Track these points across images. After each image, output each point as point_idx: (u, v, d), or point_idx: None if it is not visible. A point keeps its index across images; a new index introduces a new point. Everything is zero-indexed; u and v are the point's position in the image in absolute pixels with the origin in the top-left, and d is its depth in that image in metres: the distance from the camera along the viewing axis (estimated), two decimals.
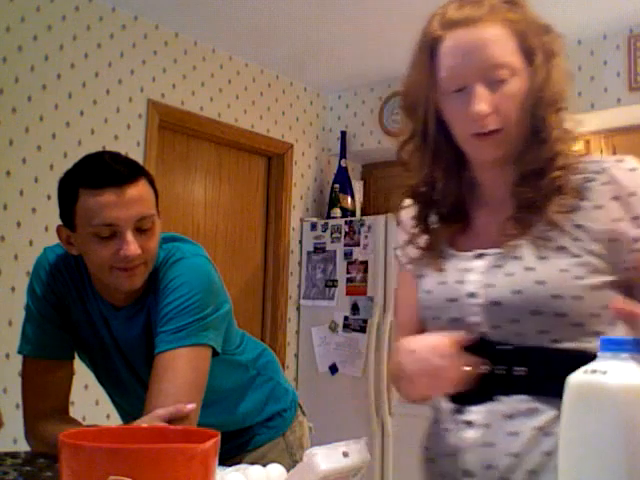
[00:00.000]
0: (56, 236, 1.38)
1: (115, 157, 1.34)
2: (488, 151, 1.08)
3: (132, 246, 1.28)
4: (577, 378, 0.78)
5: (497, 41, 1.04)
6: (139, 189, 1.31)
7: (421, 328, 1.17)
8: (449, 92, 1.07)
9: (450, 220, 1.16)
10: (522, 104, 1.05)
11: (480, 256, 1.10)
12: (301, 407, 1.75)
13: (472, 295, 1.07)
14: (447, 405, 1.11)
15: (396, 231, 1.26)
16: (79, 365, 1.55)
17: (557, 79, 1.06)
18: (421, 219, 1.18)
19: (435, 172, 1.15)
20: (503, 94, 1.04)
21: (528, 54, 1.05)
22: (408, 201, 1.23)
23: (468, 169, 1.15)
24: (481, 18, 1.04)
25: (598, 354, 0.78)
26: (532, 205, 1.06)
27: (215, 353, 1.37)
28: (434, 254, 1.15)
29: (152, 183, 1.37)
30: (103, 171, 1.29)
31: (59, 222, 1.37)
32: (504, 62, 1.03)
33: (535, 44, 1.05)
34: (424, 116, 1.12)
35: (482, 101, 1.03)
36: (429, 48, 1.10)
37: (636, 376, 0.74)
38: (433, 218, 1.18)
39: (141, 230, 1.31)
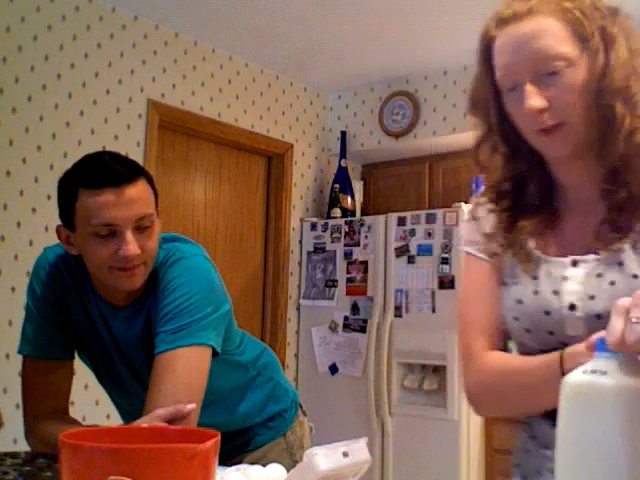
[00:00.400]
0: (56, 236, 1.39)
1: (114, 157, 1.34)
2: (555, 147, 1.03)
3: (131, 246, 1.28)
4: (575, 378, 0.78)
5: (547, 32, 0.99)
6: (138, 189, 1.31)
7: (501, 330, 1.10)
8: (506, 91, 1.04)
9: (535, 219, 1.09)
10: (583, 94, 0.99)
11: (576, 263, 1.02)
12: (302, 407, 1.75)
13: (572, 307, 0.99)
14: (546, 422, 1.04)
15: (467, 227, 1.18)
16: (79, 365, 1.55)
17: (619, 64, 0.99)
18: (504, 218, 1.11)
19: (517, 171, 1.10)
20: (558, 87, 0.99)
21: (585, 41, 0.99)
22: (482, 198, 1.16)
23: (550, 168, 1.09)
24: (530, 11, 1.01)
25: (595, 354, 0.78)
26: (626, 204, 0.99)
27: (215, 353, 1.37)
28: (522, 257, 1.07)
29: (151, 183, 1.37)
30: (102, 171, 1.29)
31: (59, 222, 1.37)
32: (556, 53, 0.98)
33: (591, 30, 0.99)
34: (492, 117, 1.08)
35: (532, 97, 0.99)
36: (486, 49, 1.07)
37: (634, 377, 0.74)
38: (517, 217, 1.11)
39: (140, 230, 1.31)
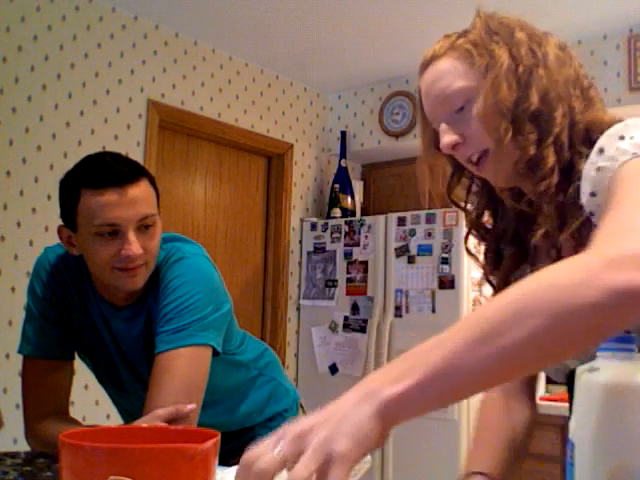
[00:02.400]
0: (56, 236, 1.38)
1: (116, 157, 1.34)
2: (488, 176, 1.04)
3: (134, 246, 1.28)
4: (580, 376, 0.78)
5: (443, 72, 1.02)
6: (141, 189, 1.31)
7: None
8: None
9: (510, 252, 1.09)
10: (495, 120, 0.98)
11: None
12: (302, 407, 1.74)
13: None
14: None
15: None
16: (79, 365, 1.55)
17: (502, 86, 0.98)
18: (490, 257, 1.12)
19: (490, 204, 1.11)
20: (467, 120, 1.01)
21: (482, 70, 1.01)
22: (469, 239, 1.16)
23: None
24: (433, 56, 1.04)
25: (598, 353, 0.78)
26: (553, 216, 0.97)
27: (216, 353, 1.37)
28: None
29: (153, 183, 1.37)
30: (105, 171, 1.29)
31: (59, 222, 1.37)
32: (453, 90, 1.01)
33: (482, 57, 1.00)
34: (451, 159, 1.09)
35: (444, 135, 1.02)
36: (420, 98, 1.09)
37: (622, 374, 0.75)
38: (501, 253, 1.11)
39: (143, 230, 1.31)
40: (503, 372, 0.69)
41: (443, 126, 1.02)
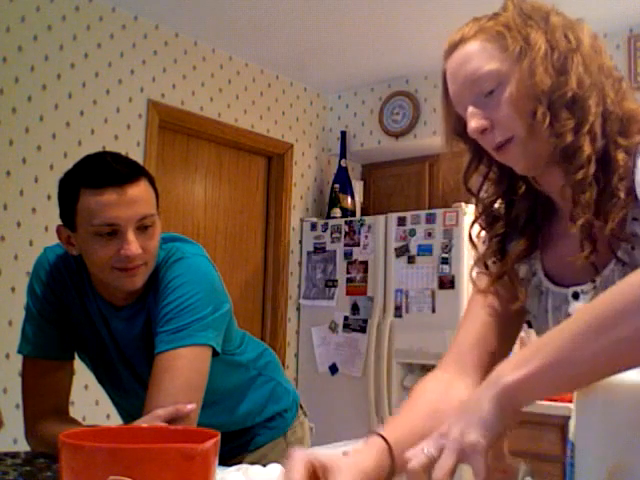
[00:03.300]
0: (56, 236, 1.38)
1: (116, 157, 1.34)
2: (511, 162, 1.02)
3: (133, 246, 1.28)
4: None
5: (473, 55, 1.00)
6: (140, 189, 1.31)
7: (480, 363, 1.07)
8: (464, 117, 1.04)
9: (522, 240, 1.07)
10: (525, 105, 0.97)
11: (577, 295, 0.99)
12: (302, 407, 1.74)
13: None
14: None
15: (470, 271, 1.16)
16: (79, 365, 1.55)
17: (539, 71, 0.96)
18: (494, 243, 1.10)
19: (506, 192, 1.09)
20: (496, 104, 0.98)
21: (514, 54, 0.98)
22: (475, 226, 1.14)
23: (538, 187, 1.07)
24: (461, 39, 1.02)
25: None
26: (596, 208, 0.94)
27: (215, 353, 1.37)
28: (527, 291, 1.06)
29: (153, 183, 1.37)
30: (104, 171, 1.29)
31: (59, 222, 1.37)
32: (483, 73, 0.99)
33: (516, 40, 0.98)
34: (471, 144, 1.08)
35: (473, 119, 1.00)
36: (444, 82, 1.07)
37: (622, 374, 0.75)
38: (507, 242, 1.10)
39: (142, 230, 1.31)
40: (609, 366, 0.74)
41: (471, 110, 1.00)
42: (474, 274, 1.14)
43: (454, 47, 1.03)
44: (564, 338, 0.75)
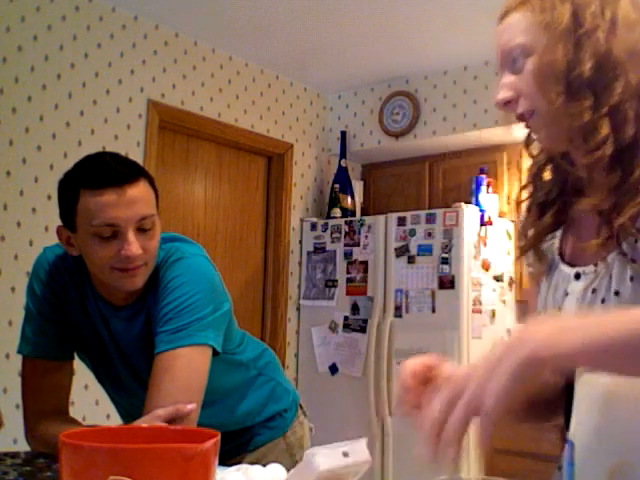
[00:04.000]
0: (56, 236, 1.38)
1: (115, 157, 1.34)
2: (536, 136, 1.02)
3: (133, 246, 1.28)
4: (580, 376, 0.78)
5: (509, 26, 1.00)
6: (140, 189, 1.31)
7: None
8: None
9: (551, 212, 1.06)
10: (549, 81, 0.94)
11: (578, 276, 0.99)
12: (302, 407, 1.74)
13: None
14: None
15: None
16: (79, 365, 1.55)
17: (558, 47, 0.94)
18: (533, 209, 1.09)
19: (548, 161, 1.08)
20: (523, 76, 0.97)
21: (551, 28, 0.95)
22: (523, 191, 1.13)
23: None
24: (506, 11, 1.01)
25: None
26: (618, 194, 0.92)
27: (215, 353, 1.37)
28: (543, 267, 1.06)
29: (152, 183, 1.37)
30: (104, 171, 1.29)
31: (59, 222, 1.37)
32: (513, 45, 0.98)
33: (557, 15, 0.95)
34: None
35: (501, 90, 0.99)
36: None
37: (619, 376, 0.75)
38: (544, 211, 1.08)
39: (142, 230, 1.31)
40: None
41: (503, 80, 1.00)
42: (525, 262, 1.14)
43: (501, 18, 1.03)
44: (617, 325, 0.72)
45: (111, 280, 1.34)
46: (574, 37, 0.94)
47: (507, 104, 0.99)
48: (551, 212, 1.06)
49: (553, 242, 1.07)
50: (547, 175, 1.09)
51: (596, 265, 0.95)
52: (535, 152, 1.09)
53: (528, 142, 1.09)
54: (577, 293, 0.96)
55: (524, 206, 1.12)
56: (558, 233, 1.07)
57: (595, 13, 0.94)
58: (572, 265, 1.01)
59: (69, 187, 1.31)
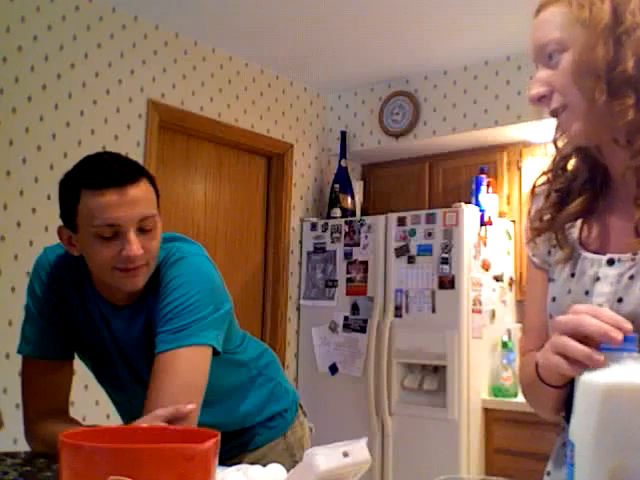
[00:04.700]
0: (56, 236, 1.38)
1: (116, 157, 1.34)
2: (565, 130, 1.01)
3: (134, 246, 1.28)
4: (580, 376, 0.79)
5: (545, 21, 1.00)
6: (141, 189, 1.31)
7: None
8: None
9: (579, 200, 1.06)
10: (583, 77, 0.94)
11: (612, 262, 0.99)
12: (302, 408, 1.74)
13: None
14: None
15: (525, 219, 1.16)
16: (79, 365, 1.55)
17: (598, 45, 0.93)
18: (554, 197, 1.09)
19: (575, 151, 1.08)
20: (557, 71, 0.98)
21: (586, 24, 0.95)
22: (540, 177, 1.13)
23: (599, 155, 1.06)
24: (543, 3, 1.01)
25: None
26: None
27: (216, 353, 1.37)
28: (563, 254, 1.05)
29: (153, 183, 1.37)
30: (104, 171, 1.28)
31: (59, 222, 1.37)
32: (548, 40, 0.98)
33: (593, 12, 0.94)
34: None
35: (534, 85, 0.99)
36: None
37: (622, 374, 0.75)
38: (566, 200, 1.08)
39: (143, 230, 1.31)
40: None
41: (537, 75, 1.00)
42: (528, 251, 1.14)
43: (537, 12, 1.03)
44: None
45: (112, 280, 1.34)
46: (614, 35, 0.93)
47: (541, 99, 0.99)
48: (579, 201, 1.06)
49: (571, 231, 1.07)
50: (570, 165, 1.09)
51: (635, 254, 0.95)
52: (561, 145, 1.09)
53: (556, 136, 1.08)
54: (611, 278, 0.97)
55: (540, 191, 1.12)
56: (577, 223, 1.07)
57: (635, 11, 0.94)
58: (599, 253, 1.01)
59: (70, 187, 1.31)
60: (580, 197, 1.06)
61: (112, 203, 1.26)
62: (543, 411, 1.11)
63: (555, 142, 1.09)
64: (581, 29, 0.95)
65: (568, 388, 0.95)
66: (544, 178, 1.13)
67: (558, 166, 1.10)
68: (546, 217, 1.09)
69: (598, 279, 0.99)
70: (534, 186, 1.14)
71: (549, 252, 1.10)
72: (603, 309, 0.79)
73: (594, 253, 1.02)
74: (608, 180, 1.05)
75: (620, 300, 0.95)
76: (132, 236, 1.28)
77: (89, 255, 1.33)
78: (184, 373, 1.30)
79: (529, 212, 1.15)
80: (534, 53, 1.02)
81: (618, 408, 0.74)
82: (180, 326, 1.32)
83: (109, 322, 1.44)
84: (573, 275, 1.03)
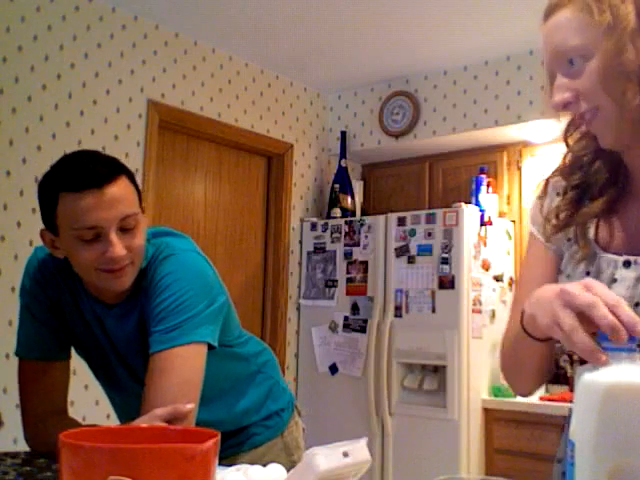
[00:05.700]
0: None
1: (93, 156, 1.31)
2: (599, 135, 1.01)
3: (117, 247, 1.26)
4: (580, 376, 0.78)
5: (561, 26, 0.98)
6: (119, 188, 1.27)
7: None
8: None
9: (600, 201, 1.06)
10: (609, 80, 0.94)
11: (628, 264, 0.98)
12: (297, 408, 1.74)
13: None
14: None
15: (533, 205, 1.16)
16: (79, 365, 1.55)
17: (628, 48, 0.92)
18: (571, 195, 1.08)
19: (593, 150, 1.08)
20: (581, 77, 0.97)
21: (601, 27, 0.95)
22: (554, 174, 1.13)
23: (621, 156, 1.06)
24: (556, 5, 1.00)
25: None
26: None
27: (212, 347, 1.36)
28: (580, 243, 1.04)
29: (133, 180, 1.34)
30: (81, 173, 1.25)
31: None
32: (569, 47, 0.97)
33: (604, 14, 0.94)
34: None
35: (558, 91, 0.99)
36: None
37: (622, 374, 0.75)
38: (583, 198, 1.08)
39: (125, 230, 1.28)
40: None
41: (558, 81, 0.99)
42: (533, 229, 1.15)
43: (548, 13, 1.01)
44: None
45: (98, 281, 1.32)
46: (616, 33, 0.93)
47: (567, 105, 0.99)
48: (602, 200, 1.05)
49: (587, 230, 1.06)
50: (584, 163, 1.09)
51: None
52: (572, 143, 1.10)
53: (567, 134, 1.09)
54: (628, 281, 0.97)
55: (552, 187, 1.12)
56: (593, 221, 1.07)
57: (619, 9, 0.94)
58: (617, 253, 1.01)
59: (48, 191, 1.28)
60: (602, 197, 1.06)
61: (90, 205, 1.24)
62: (520, 379, 1.10)
63: (566, 139, 1.09)
64: (606, 34, 0.94)
65: (550, 347, 0.96)
66: (557, 174, 1.12)
67: (574, 164, 1.10)
68: (563, 214, 1.08)
69: (615, 280, 0.98)
70: (546, 180, 1.14)
71: (565, 242, 1.10)
72: (623, 302, 0.77)
73: (612, 252, 1.02)
74: (630, 180, 1.05)
75: (637, 305, 0.94)
76: (114, 237, 1.26)
77: (73, 258, 1.31)
78: (180, 372, 1.29)
79: (539, 202, 1.14)
80: (551, 60, 1.00)
81: (618, 408, 0.74)
82: (173, 325, 1.30)
83: (102, 321, 1.42)
84: (588, 273, 1.02)
